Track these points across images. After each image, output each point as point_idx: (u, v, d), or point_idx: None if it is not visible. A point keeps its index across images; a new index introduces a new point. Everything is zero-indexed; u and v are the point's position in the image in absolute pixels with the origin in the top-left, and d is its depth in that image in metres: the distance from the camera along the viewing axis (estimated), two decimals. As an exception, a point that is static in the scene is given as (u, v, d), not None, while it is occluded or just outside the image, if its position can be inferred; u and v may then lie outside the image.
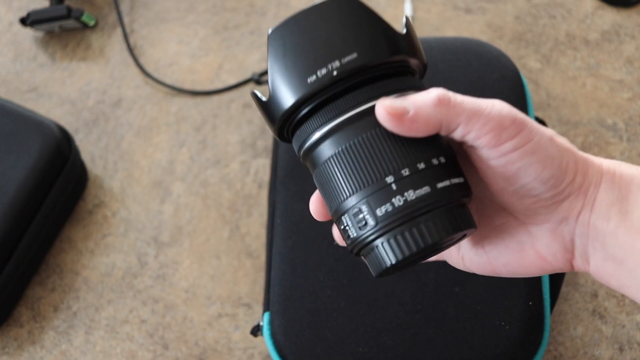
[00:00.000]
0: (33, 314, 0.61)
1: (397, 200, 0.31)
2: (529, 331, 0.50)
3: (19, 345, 0.60)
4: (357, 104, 0.32)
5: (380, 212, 0.31)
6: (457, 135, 0.31)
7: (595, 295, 0.57)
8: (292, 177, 0.56)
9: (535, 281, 0.51)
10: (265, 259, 0.56)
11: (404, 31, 0.33)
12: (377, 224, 0.31)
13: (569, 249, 0.33)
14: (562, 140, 0.32)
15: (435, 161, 0.32)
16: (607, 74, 0.66)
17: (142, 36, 0.73)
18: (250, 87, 0.70)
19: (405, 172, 0.31)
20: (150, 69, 0.71)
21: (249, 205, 0.64)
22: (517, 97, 0.56)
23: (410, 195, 0.31)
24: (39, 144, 0.60)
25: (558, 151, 0.31)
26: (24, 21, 0.72)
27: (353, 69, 0.31)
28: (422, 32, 0.70)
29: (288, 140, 0.36)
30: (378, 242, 0.32)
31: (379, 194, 0.31)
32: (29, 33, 0.75)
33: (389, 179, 0.31)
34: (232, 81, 0.70)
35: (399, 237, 0.31)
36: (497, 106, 0.31)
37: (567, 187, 0.32)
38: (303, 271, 0.53)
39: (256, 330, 0.54)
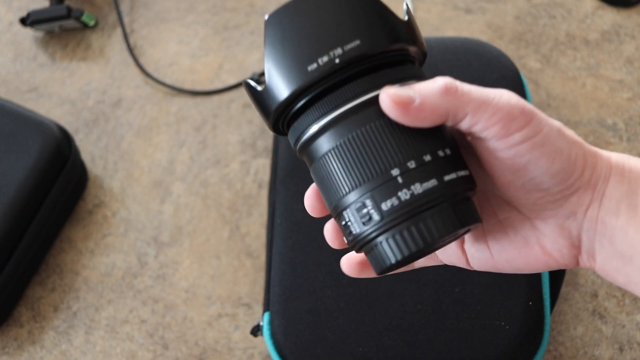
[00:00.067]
0: (33, 314, 0.61)
1: (404, 194, 0.30)
2: (529, 331, 0.50)
3: (19, 345, 0.60)
4: (360, 94, 0.30)
5: (385, 206, 0.30)
6: (464, 125, 0.30)
7: (595, 295, 0.57)
8: (292, 177, 0.56)
9: (536, 281, 0.51)
10: (265, 259, 0.56)
11: (406, 18, 0.32)
12: (382, 218, 0.30)
13: (576, 245, 0.33)
14: (570, 133, 0.31)
15: (441, 153, 0.30)
16: (607, 74, 0.66)
17: (142, 36, 0.73)
18: (250, 87, 0.70)
19: (412, 164, 0.30)
20: (150, 69, 0.71)
21: (249, 205, 0.64)
22: (517, 97, 0.56)
23: (417, 188, 0.29)
24: (39, 144, 0.60)
25: (567, 144, 0.30)
26: (24, 21, 0.72)
27: (356, 57, 0.30)
28: (422, 32, 0.70)
29: (283, 132, 0.34)
30: (382, 238, 0.30)
31: (384, 187, 0.30)
32: (29, 33, 0.75)
33: (395, 172, 0.30)
34: (232, 81, 0.70)
35: (405, 233, 0.30)
36: (506, 96, 0.30)
37: (576, 181, 0.31)
38: (303, 271, 0.53)
39: (256, 330, 0.54)
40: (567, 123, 0.64)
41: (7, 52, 0.74)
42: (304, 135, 0.32)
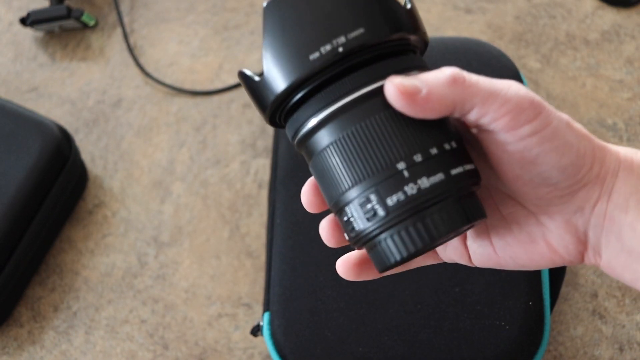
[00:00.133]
0: (33, 314, 0.61)
1: (410, 189, 0.28)
2: (529, 331, 0.50)
3: (19, 345, 0.60)
4: (363, 85, 0.29)
5: (391, 201, 0.28)
6: (472, 117, 0.29)
7: (595, 295, 0.57)
8: (292, 177, 0.56)
9: (536, 281, 0.51)
10: (265, 259, 0.56)
11: (409, 7, 0.31)
12: (387, 214, 0.29)
13: (582, 241, 0.32)
14: (578, 126, 0.30)
15: (447, 146, 0.29)
16: (607, 74, 0.66)
17: (142, 36, 0.73)
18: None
19: (418, 157, 0.28)
20: (150, 69, 0.71)
21: (249, 205, 0.64)
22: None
23: (424, 183, 0.28)
24: (39, 144, 0.60)
25: (576, 137, 0.30)
26: (24, 21, 0.72)
27: (360, 46, 0.29)
28: (422, 32, 0.70)
29: (280, 125, 0.33)
30: (386, 234, 0.29)
31: (390, 181, 0.28)
32: (29, 33, 0.75)
33: (400, 166, 0.28)
34: (232, 81, 0.70)
35: (411, 229, 0.29)
36: (514, 87, 0.29)
37: (585, 175, 0.30)
38: (303, 271, 0.53)
39: (256, 330, 0.54)
40: (567, 123, 0.64)
41: (7, 52, 0.74)
42: (303, 128, 0.31)
